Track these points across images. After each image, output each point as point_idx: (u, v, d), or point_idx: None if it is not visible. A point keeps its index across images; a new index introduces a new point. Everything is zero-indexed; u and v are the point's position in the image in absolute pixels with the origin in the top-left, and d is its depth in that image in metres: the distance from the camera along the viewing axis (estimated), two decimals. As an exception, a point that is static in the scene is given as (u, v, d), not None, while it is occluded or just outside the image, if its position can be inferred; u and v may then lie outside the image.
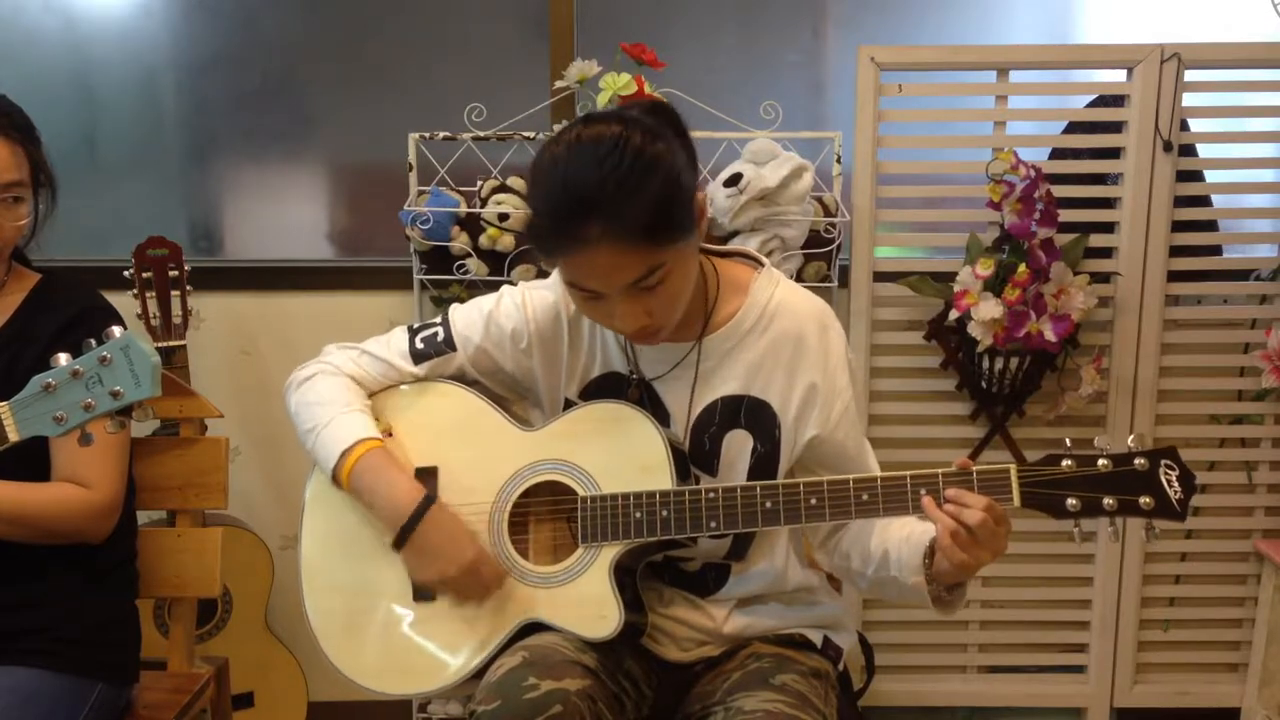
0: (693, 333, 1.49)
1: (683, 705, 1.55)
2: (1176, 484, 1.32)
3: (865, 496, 1.38)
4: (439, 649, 1.49)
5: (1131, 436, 1.37)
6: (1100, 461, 1.33)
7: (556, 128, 2.35)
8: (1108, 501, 1.32)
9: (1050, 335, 2.25)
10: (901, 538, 1.46)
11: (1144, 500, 1.32)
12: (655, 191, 1.29)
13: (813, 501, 1.40)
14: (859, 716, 1.67)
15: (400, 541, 1.45)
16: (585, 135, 1.32)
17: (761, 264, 1.55)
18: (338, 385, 1.54)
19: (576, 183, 1.28)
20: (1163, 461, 1.33)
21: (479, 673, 1.45)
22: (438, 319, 1.58)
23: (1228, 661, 2.62)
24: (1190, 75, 2.37)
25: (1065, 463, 1.34)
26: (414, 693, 1.69)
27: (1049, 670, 2.63)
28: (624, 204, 1.27)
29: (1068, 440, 1.37)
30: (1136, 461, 1.33)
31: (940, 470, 1.36)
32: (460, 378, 1.57)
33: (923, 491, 1.36)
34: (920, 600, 1.44)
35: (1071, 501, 1.33)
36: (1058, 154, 2.49)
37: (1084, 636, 2.60)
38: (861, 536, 1.53)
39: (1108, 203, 2.46)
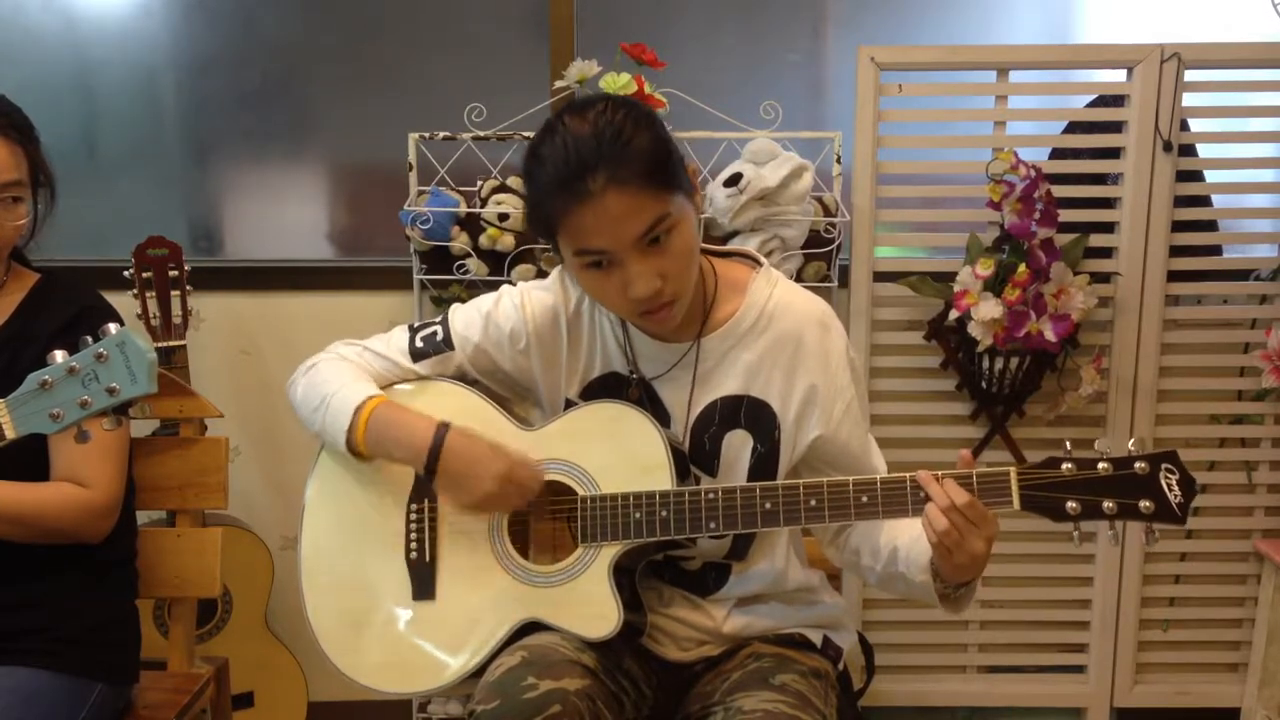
0: (691, 332, 1.50)
1: (682, 705, 1.55)
2: (1177, 488, 1.32)
3: (865, 499, 1.38)
4: (438, 648, 1.49)
5: (1132, 440, 1.37)
6: (1100, 465, 1.33)
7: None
8: (1108, 505, 1.32)
9: (1050, 335, 2.25)
10: (912, 536, 1.46)
11: (1144, 504, 1.32)
12: (649, 139, 1.35)
13: (812, 503, 1.40)
14: (859, 716, 1.67)
15: (430, 475, 1.44)
16: (574, 112, 1.37)
17: (760, 264, 1.55)
18: (343, 365, 1.56)
19: (576, 144, 1.32)
20: (1163, 465, 1.33)
21: (478, 672, 1.46)
22: (438, 318, 1.58)
23: (1228, 661, 2.62)
24: (1190, 75, 2.37)
25: (1065, 466, 1.34)
26: (413, 691, 1.70)
27: (1049, 670, 2.63)
28: (622, 151, 1.32)
29: (1068, 443, 1.36)
30: (1137, 465, 1.33)
31: (940, 473, 1.35)
32: (460, 377, 1.57)
33: (923, 494, 1.36)
34: (928, 597, 1.45)
35: (1071, 505, 1.33)
36: (1058, 154, 2.49)
37: (1084, 636, 2.59)
38: (871, 533, 1.53)
39: (1108, 203, 2.46)
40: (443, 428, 1.45)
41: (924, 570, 1.43)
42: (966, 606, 1.47)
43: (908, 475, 1.37)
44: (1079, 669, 2.62)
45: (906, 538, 1.47)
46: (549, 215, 1.36)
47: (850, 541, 1.57)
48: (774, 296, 1.51)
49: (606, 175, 1.31)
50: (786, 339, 1.49)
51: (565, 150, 1.33)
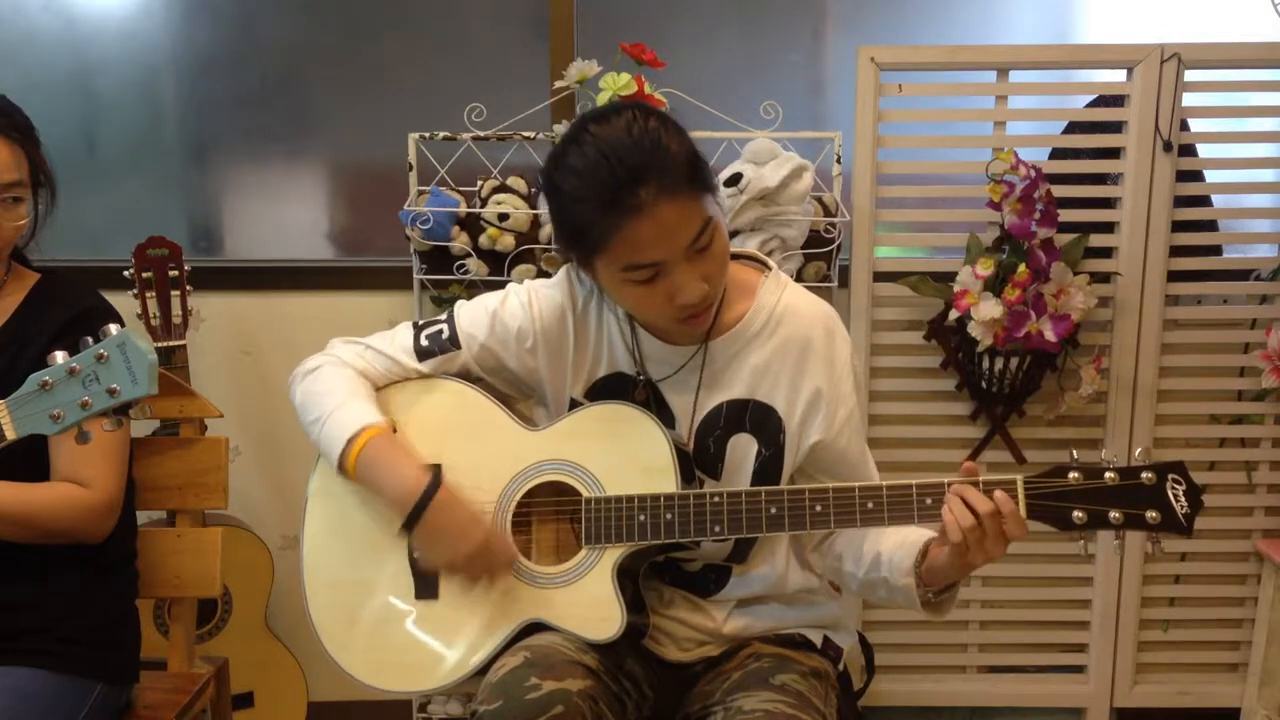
0: (699, 335, 1.49)
1: (683, 705, 1.55)
2: (1183, 498, 1.32)
3: (871, 505, 1.38)
4: (440, 647, 1.49)
5: (1139, 449, 1.36)
6: (1107, 474, 1.33)
7: (557, 128, 2.37)
8: (1114, 515, 1.32)
9: (1050, 335, 2.25)
10: (895, 542, 1.47)
11: (1150, 514, 1.31)
12: (683, 144, 1.35)
13: (818, 508, 1.40)
14: (859, 716, 1.67)
15: (410, 524, 1.44)
16: (599, 120, 1.35)
17: (769, 267, 1.55)
18: (343, 376, 1.54)
19: (618, 154, 1.31)
20: (1169, 475, 1.32)
21: (480, 671, 1.46)
22: (443, 316, 1.57)
23: (1228, 661, 2.62)
24: (1190, 75, 2.37)
25: (1072, 475, 1.34)
26: (414, 690, 1.70)
27: (1049, 670, 2.63)
28: (666, 159, 1.31)
29: (1074, 452, 1.36)
30: (1143, 475, 1.32)
31: (947, 479, 1.36)
32: (465, 375, 1.57)
33: (928, 501, 1.36)
34: (909, 602, 1.45)
35: (1078, 514, 1.32)
36: (1058, 154, 2.49)
37: (1084, 636, 2.60)
38: (855, 539, 1.53)
39: (1108, 203, 2.46)
40: (434, 482, 1.44)
41: (907, 574, 1.43)
42: (949, 611, 1.47)
43: (914, 482, 1.37)
44: (1079, 669, 2.62)
45: (890, 544, 1.48)
46: (596, 233, 1.33)
47: (834, 548, 1.57)
48: (782, 300, 1.50)
49: (657, 185, 1.29)
50: (792, 343, 1.49)
51: (608, 163, 1.31)
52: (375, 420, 1.49)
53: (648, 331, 1.50)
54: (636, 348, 1.52)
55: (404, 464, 1.46)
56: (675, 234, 1.32)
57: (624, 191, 1.29)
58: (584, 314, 1.53)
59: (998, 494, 1.32)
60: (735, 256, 1.56)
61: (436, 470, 1.47)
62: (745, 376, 1.49)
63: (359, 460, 1.46)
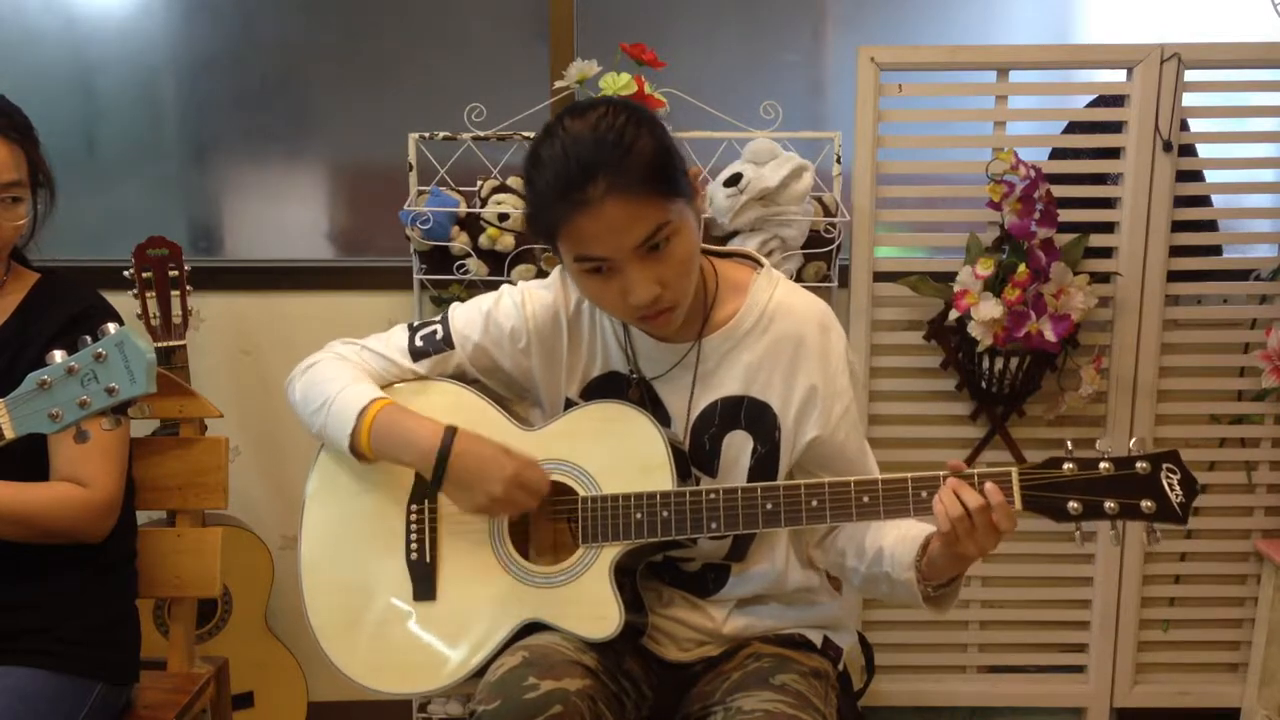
0: (692, 333, 1.50)
1: (683, 705, 1.55)
2: (1178, 487, 1.32)
3: (866, 499, 1.38)
4: (439, 648, 1.49)
5: (1134, 440, 1.37)
6: (1102, 465, 1.33)
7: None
8: (1109, 505, 1.32)
9: (1050, 335, 2.25)
10: (897, 536, 1.47)
11: (1145, 504, 1.32)
12: (651, 144, 1.33)
13: (813, 503, 1.40)
14: (859, 716, 1.67)
15: (438, 480, 1.43)
16: (575, 114, 1.36)
17: (761, 264, 1.55)
18: (343, 365, 1.55)
19: (576, 149, 1.32)
20: (1164, 465, 1.33)
21: (479, 672, 1.46)
22: (438, 317, 1.58)
23: (1228, 661, 2.62)
24: (1190, 75, 2.37)
25: (1067, 465, 1.34)
26: (413, 691, 1.70)
27: (1049, 670, 2.63)
28: (624, 158, 1.31)
29: (1069, 443, 1.36)
30: (1138, 465, 1.33)
31: (943, 473, 1.36)
32: (460, 376, 1.57)
33: (923, 494, 1.36)
34: (910, 596, 1.45)
35: (1073, 505, 1.33)
36: (1058, 154, 2.49)
37: (1084, 636, 2.59)
38: (857, 533, 1.53)
39: (1108, 203, 2.46)
40: (450, 431, 1.44)
41: (908, 568, 1.43)
42: (950, 606, 1.47)
43: (909, 476, 1.37)
44: (1079, 669, 2.62)
45: (892, 538, 1.48)
46: (549, 221, 1.35)
47: (837, 543, 1.57)
48: (774, 297, 1.50)
49: (607, 182, 1.30)
50: (787, 340, 1.49)
51: (565, 155, 1.32)
52: (382, 395, 1.49)
53: (640, 330, 1.50)
54: (630, 346, 1.52)
55: (418, 425, 1.45)
56: (622, 233, 1.32)
57: (574, 186, 1.30)
58: (577, 314, 1.53)
59: (987, 486, 1.32)
60: (728, 255, 1.57)
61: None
62: (739, 374, 1.49)
63: (373, 432, 1.46)
